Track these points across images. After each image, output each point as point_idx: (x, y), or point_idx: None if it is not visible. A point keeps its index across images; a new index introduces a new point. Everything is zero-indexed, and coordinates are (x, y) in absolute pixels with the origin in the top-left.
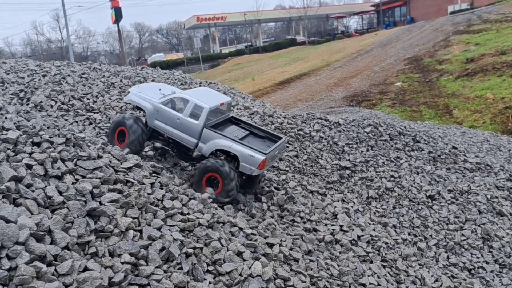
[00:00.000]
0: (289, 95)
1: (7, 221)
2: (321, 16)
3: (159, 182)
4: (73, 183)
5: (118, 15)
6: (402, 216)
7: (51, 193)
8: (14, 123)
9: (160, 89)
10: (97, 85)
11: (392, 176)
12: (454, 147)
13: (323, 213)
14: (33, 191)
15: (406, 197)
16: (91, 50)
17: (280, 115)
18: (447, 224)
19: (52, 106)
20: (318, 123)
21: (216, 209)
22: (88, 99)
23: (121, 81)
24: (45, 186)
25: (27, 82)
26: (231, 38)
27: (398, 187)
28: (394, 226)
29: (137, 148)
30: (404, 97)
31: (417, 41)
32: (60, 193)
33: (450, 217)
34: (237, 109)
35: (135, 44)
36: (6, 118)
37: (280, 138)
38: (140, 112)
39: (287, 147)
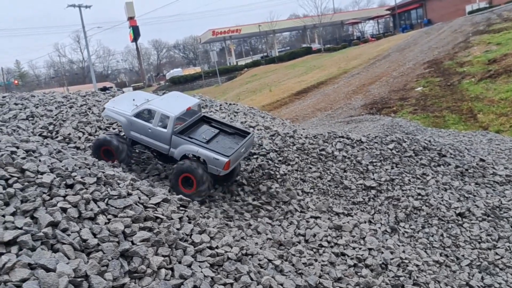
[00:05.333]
0: (307, 105)
1: (47, 270)
2: (336, 23)
3: (187, 216)
4: (105, 223)
5: (136, 33)
6: (432, 236)
7: (86, 236)
8: (48, 166)
9: (134, 99)
10: None
11: (419, 194)
12: (481, 160)
13: (350, 236)
14: (69, 235)
15: (435, 215)
16: (111, 69)
17: (301, 135)
18: (479, 243)
19: (80, 138)
20: (340, 141)
21: (245, 239)
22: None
23: None
24: (80, 229)
25: (55, 115)
26: (246, 49)
27: (426, 206)
28: (424, 247)
29: (126, 162)
30: (425, 103)
31: (436, 43)
32: (94, 235)
33: (482, 235)
34: (258, 129)
35: (153, 61)
36: (40, 161)
37: (248, 133)
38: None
39: (310, 168)
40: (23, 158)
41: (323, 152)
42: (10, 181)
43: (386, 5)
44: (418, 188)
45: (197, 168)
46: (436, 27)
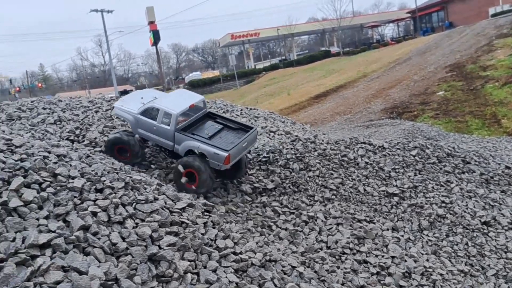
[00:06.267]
0: (326, 109)
1: (80, 273)
2: (355, 26)
3: (211, 221)
4: (133, 227)
5: (156, 37)
6: (457, 244)
7: (115, 240)
8: (78, 171)
9: (142, 98)
10: None
11: (443, 202)
12: (507, 167)
13: (372, 243)
14: (99, 238)
15: (460, 224)
16: (131, 72)
17: (323, 140)
18: (505, 252)
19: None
20: (362, 147)
21: (268, 245)
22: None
23: None
24: (110, 233)
25: (82, 119)
26: (264, 53)
27: (450, 214)
28: (448, 256)
29: (141, 160)
30: (447, 107)
31: (458, 47)
32: (123, 239)
33: (508, 244)
34: (278, 134)
35: (173, 64)
36: (71, 165)
37: (251, 128)
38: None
39: (332, 174)
40: (55, 163)
41: (345, 158)
42: (44, 185)
43: (407, 8)
44: (442, 196)
45: (197, 162)
46: (458, 30)
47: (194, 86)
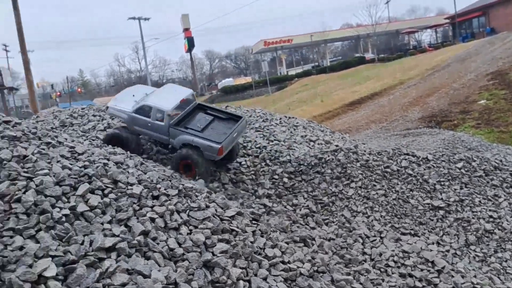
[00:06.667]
0: (360, 117)
1: (144, 276)
2: (391, 32)
3: (259, 230)
4: (188, 233)
5: (190, 44)
6: (506, 261)
7: (172, 245)
8: (136, 178)
9: (133, 95)
10: None
11: (491, 216)
12: None
13: (417, 257)
14: (158, 243)
15: (509, 240)
16: (166, 78)
17: (365, 151)
18: None
19: (152, 149)
20: (406, 159)
21: (316, 253)
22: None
23: None
24: (167, 238)
25: None
26: (297, 59)
27: (498, 229)
28: (497, 272)
29: (137, 152)
30: (489, 117)
31: (500, 53)
32: (179, 244)
33: None
34: (318, 144)
35: (206, 70)
36: (128, 172)
37: (240, 118)
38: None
39: (374, 185)
40: (118, 168)
41: (388, 170)
42: (106, 191)
43: (445, 13)
44: (490, 210)
45: (193, 155)
46: (501, 36)
47: (227, 92)
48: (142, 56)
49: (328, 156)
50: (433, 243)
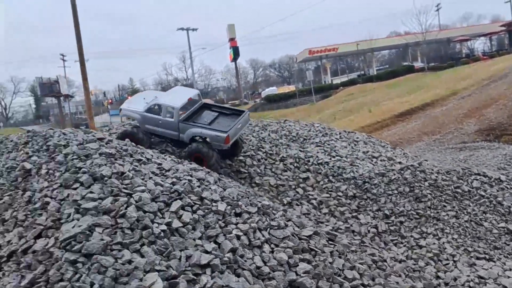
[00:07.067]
0: (412, 128)
1: None
2: (442, 40)
3: (337, 251)
4: (270, 252)
5: (236, 53)
6: None
7: (258, 263)
8: (219, 194)
9: (144, 98)
10: (250, 140)
11: None
12: None
13: (495, 283)
14: (245, 261)
15: None
16: (211, 87)
17: (432, 170)
18: None
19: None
20: (477, 179)
21: (390, 275)
22: (245, 156)
23: (269, 135)
24: (253, 256)
25: None
26: (342, 67)
27: None
28: None
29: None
30: None
31: None
32: (264, 262)
33: None
34: (381, 160)
35: (250, 79)
36: (211, 189)
37: (243, 112)
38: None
39: (444, 206)
40: (198, 186)
41: (459, 190)
42: (194, 208)
43: (500, 20)
44: None
45: (203, 148)
46: None
47: (270, 100)
48: (188, 65)
49: (394, 174)
50: (510, 269)
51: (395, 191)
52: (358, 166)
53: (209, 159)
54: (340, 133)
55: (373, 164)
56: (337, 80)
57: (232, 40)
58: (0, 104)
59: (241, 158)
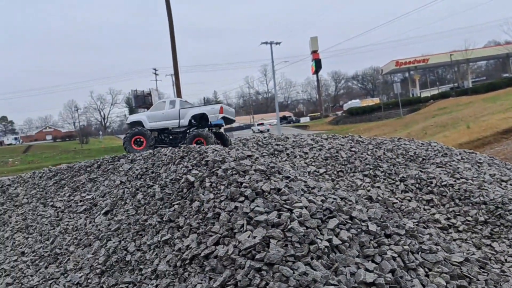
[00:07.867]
0: None
1: None
2: None
3: (491, 279)
4: (425, 275)
5: (318, 66)
6: None
7: (418, 286)
8: (366, 214)
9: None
10: (365, 159)
11: None
12: None
13: None
14: (405, 282)
15: None
16: (291, 99)
17: None
18: None
19: (340, 186)
20: None
21: None
22: (367, 175)
23: (384, 153)
24: (411, 279)
25: (311, 157)
26: (432, 80)
27: None
28: None
29: (153, 147)
30: None
31: None
32: (423, 286)
33: None
34: (510, 184)
35: (331, 92)
36: (355, 208)
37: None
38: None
39: None
40: (344, 205)
41: None
42: (346, 226)
43: None
44: None
45: (203, 132)
46: None
47: (353, 114)
48: (270, 78)
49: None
50: None
51: None
52: (487, 190)
53: (208, 140)
54: (460, 154)
55: (502, 188)
56: (426, 93)
57: (314, 52)
58: (100, 114)
59: (360, 177)
